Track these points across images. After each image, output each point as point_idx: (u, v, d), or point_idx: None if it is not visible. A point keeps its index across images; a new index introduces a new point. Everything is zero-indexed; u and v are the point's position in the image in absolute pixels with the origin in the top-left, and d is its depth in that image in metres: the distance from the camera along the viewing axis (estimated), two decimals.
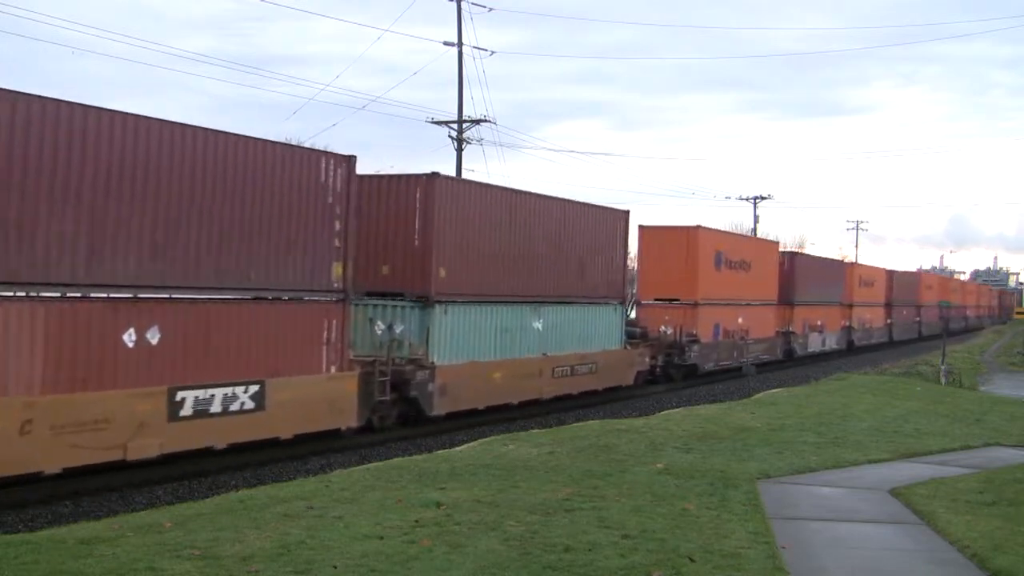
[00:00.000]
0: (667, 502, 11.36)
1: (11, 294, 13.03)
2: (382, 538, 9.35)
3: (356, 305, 20.25)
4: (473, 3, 40.53)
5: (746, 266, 37.72)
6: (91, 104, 13.87)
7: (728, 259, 36.09)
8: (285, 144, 16.98)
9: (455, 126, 41.19)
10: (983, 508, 11.81)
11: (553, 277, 25.52)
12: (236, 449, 16.37)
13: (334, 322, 18.04)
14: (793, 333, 43.93)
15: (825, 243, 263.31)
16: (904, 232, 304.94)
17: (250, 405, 16.26)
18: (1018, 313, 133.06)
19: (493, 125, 44.48)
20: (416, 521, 10.02)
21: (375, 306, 21.06)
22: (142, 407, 14.52)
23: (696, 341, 33.46)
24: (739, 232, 62.55)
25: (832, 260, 55.72)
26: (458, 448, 16.63)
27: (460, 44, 40.59)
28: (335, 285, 18.08)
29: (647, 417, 21.33)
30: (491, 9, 40.98)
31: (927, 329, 72.78)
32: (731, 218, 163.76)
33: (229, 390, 15.91)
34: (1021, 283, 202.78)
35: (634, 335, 30.99)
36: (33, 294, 13.29)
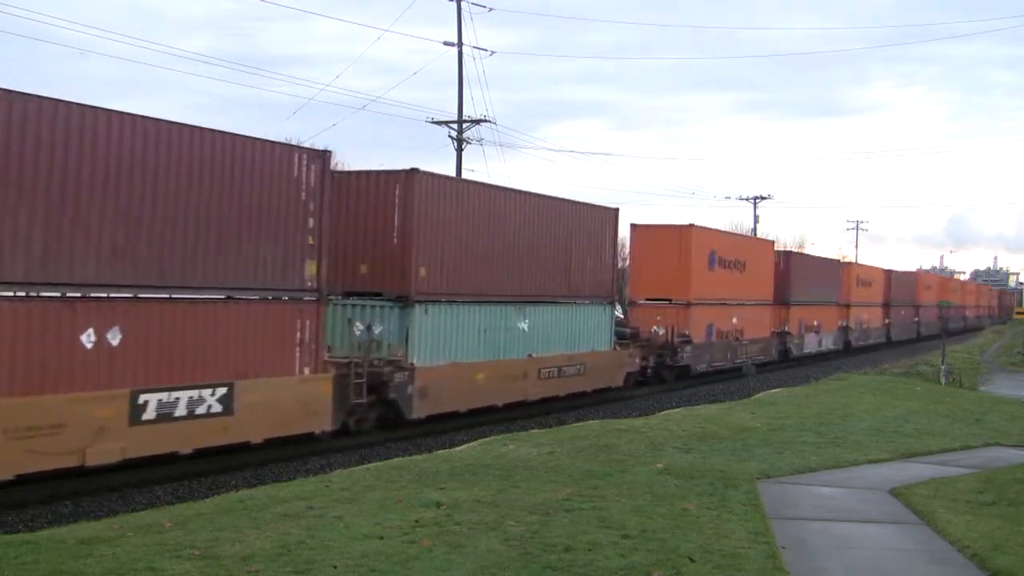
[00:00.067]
0: (667, 502, 11.36)
1: None
2: (382, 538, 9.35)
3: (334, 305, 19.95)
4: (473, 3, 40.58)
5: (740, 266, 37.22)
6: (44, 95, 13.27)
7: (722, 258, 35.59)
8: (255, 138, 16.44)
9: (455, 126, 41.21)
10: (983, 508, 11.81)
11: (539, 276, 25.01)
12: (203, 454, 15.93)
13: (308, 322, 17.47)
14: (789, 333, 43.49)
15: (825, 243, 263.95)
16: (904, 232, 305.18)
17: (217, 408, 15.68)
18: (1018, 313, 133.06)
19: (493, 125, 44.53)
20: (416, 521, 10.03)
21: (353, 306, 20.61)
22: (102, 411, 13.97)
23: (689, 342, 33.00)
24: (739, 232, 62.56)
25: (829, 260, 55.21)
26: (458, 448, 16.63)
27: (460, 44, 40.61)
28: (309, 284, 17.53)
29: (647, 417, 21.33)
30: (491, 9, 41.03)
31: (926, 329, 72.45)
32: (731, 218, 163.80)
33: (195, 393, 15.33)
34: (1021, 283, 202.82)
35: (624, 335, 30.48)
36: None
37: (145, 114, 14.67)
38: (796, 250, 74.49)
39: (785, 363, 42.85)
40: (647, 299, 33.51)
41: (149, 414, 14.65)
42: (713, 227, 36.76)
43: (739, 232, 62.30)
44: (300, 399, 17.32)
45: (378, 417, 20.05)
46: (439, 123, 41.96)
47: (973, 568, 9.27)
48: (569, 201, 27.00)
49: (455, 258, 21.65)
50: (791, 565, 8.97)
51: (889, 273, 64.24)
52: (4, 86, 13.01)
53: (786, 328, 43.15)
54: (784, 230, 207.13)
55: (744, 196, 78.36)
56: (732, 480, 12.90)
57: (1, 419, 12.80)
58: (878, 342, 60.02)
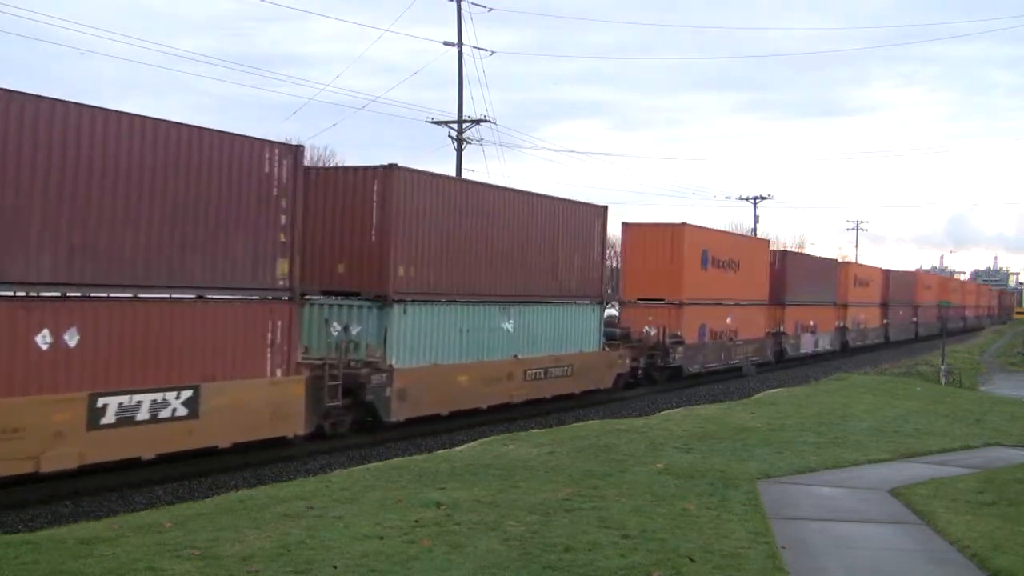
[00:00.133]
0: (667, 502, 11.36)
1: None
2: (382, 538, 9.35)
3: (311, 305, 19.64)
4: (473, 3, 40.57)
5: (735, 265, 36.60)
6: None
7: (716, 258, 34.96)
8: (223, 132, 15.88)
9: (455, 126, 41.21)
10: (983, 508, 11.82)
11: (524, 275, 24.39)
12: (167, 459, 15.43)
13: (279, 323, 16.91)
14: (784, 334, 42.87)
15: (825, 243, 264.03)
16: (904, 232, 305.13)
17: (183, 412, 15.13)
18: (1018, 313, 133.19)
19: (493, 125, 44.53)
20: (416, 521, 10.03)
21: (331, 306, 20.13)
22: (58, 415, 13.40)
23: (681, 342, 32.33)
24: (739, 232, 62.51)
25: (825, 259, 54.49)
26: (458, 448, 16.64)
27: (460, 44, 40.61)
28: (280, 283, 16.96)
29: (647, 417, 21.33)
30: (491, 9, 41.01)
31: (924, 330, 72.06)
32: (731, 218, 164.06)
33: (159, 396, 14.75)
34: (1021, 283, 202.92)
35: (614, 336, 29.95)
36: None
37: (105, 107, 14.12)
38: (795, 250, 74.64)
39: (780, 364, 42.30)
40: (639, 299, 32.91)
41: (109, 418, 14.08)
42: (707, 225, 36.18)
43: (739, 232, 62.24)
44: (271, 402, 16.74)
45: (355, 420, 19.57)
46: (439, 123, 41.98)
47: (973, 568, 9.27)
48: (556, 198, 26.42)
49: (436, 257, 21.10)
50: (791, 565, 8.97)
51: (887, 273, 63.77)
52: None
53: (781, 328, 42.60)
54: (784, 230, 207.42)
55: (744, 196, 78.45)
56: (732, 480, 12.90)
57: None
58: (876, 342, 59.57)
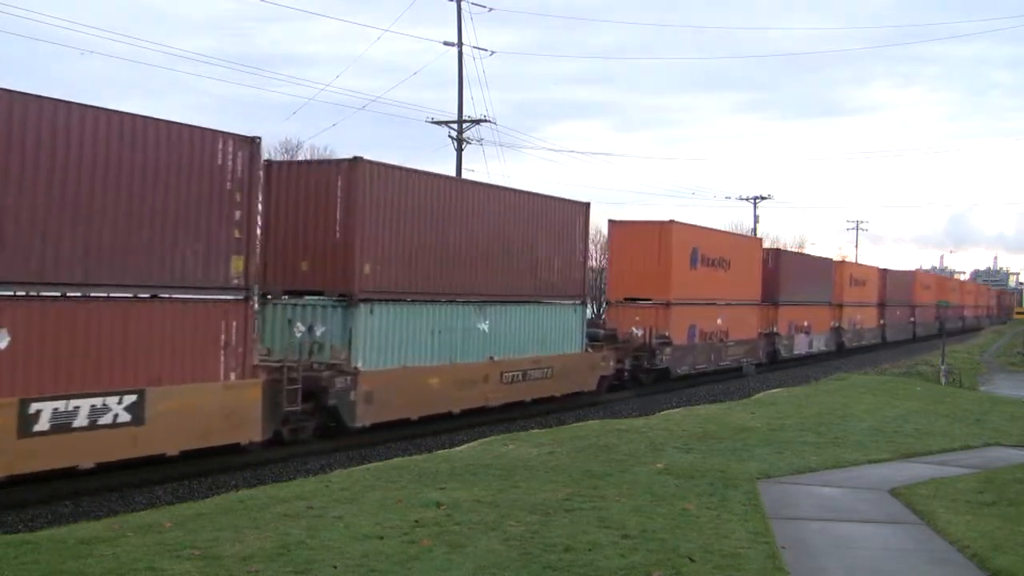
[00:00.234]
0: (667, 502, 11.36)
1: None
2: (382, 538, 9.35)
3: (274, 305, 19.16)
4: (473, 3, 40.54)
5: (725, 264, 35.72)
6: None
7: (706, 256, 34.06)
8: (170, 122, 15.07)
9: (455, 126, 41.19)
10: (983, 508, 11.82)
11: (501, 274, 23.49)
12: (108, 468, 14.63)
13: (234, 323, 16.05)
14: (778, 334, 42.05)
15: (825, 243, 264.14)
16: (904, 232, 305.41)
17: (125, 418, 14.26)
18: (1018, 313, 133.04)
19: (493, 125, 44.46)
20: (416, 521, 10.03)
21: (294, 306, 19.38)
22: None
23: (668, 343, 31.36)
24: (738, 232, 62.42)
25: (820, 258, 53.57)
26: (458, 448, 16.63)
27: (460, 44, 40.60)
28: (234, 282, 16.12)
29: (647, 417, 21.32)
30: (491, 9, 40.94)
31: (922, 330, 71.42)
32: (731, 218, 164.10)
33: (99, 401, 13.88)
34: (1021, 283, 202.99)
35: (597, 337, 29.14)
36: None
37: (41, 95, 13.40)
38: (796, 250, 74.60)
39: (774, 365, 41.50)
40: (626, 299, 32.00)
41: (42, 425, 13.23)
42: (697, 223, 35.30)
43: (738, 232, 62.11)
44: (224, 407, 15.92)
45: (317, 426, 18.74)
46: (439, 123, 41.95)
47: (973, 568, 9.27)
48: (535, 194, 25.71)
49: (406, 254, 20.29)
50: (791, 565, 8.97)
51: (884, 272, 63.08)
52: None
53: (774, 329, 41.86)
54: (784, 230, 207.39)
55: (744, 196, 78.32)
56: (732, 480, 12.90)
57: None
58: (873, 343, 58.83)
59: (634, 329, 31.20)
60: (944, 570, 9.28)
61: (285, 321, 19.33)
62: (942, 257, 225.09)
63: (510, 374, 23.65)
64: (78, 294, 13.91)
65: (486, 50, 46.67)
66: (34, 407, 13.21)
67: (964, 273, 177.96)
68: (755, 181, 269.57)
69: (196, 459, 16.03)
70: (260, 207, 19.44)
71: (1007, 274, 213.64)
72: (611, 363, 28.75)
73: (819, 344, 48.14)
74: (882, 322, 61.34)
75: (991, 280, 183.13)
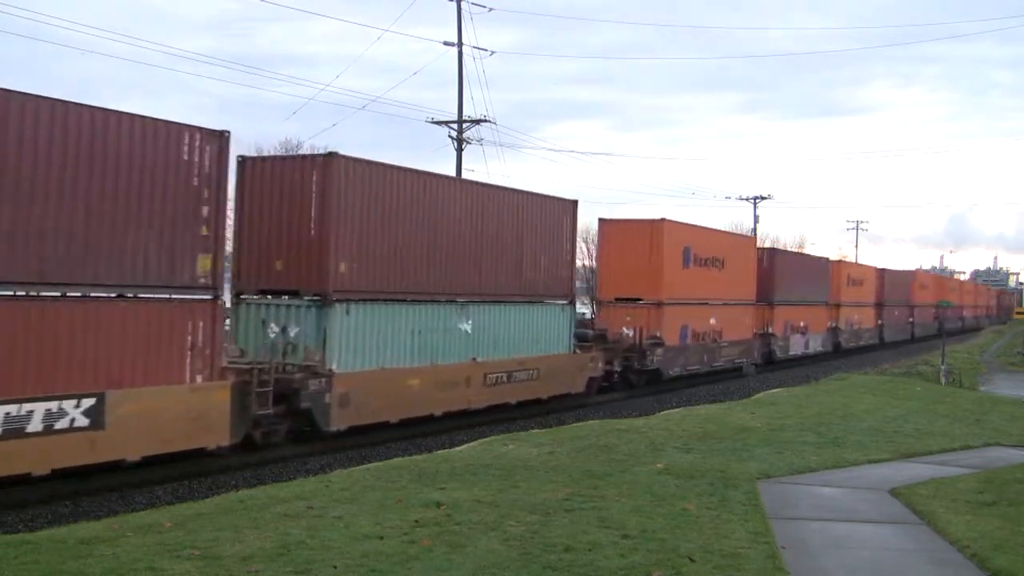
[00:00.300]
0: (667, 502, 11.36)
1: None
2: (382, 538, 9.35)
3: (247, 305, 18.83)
4: (473, 3, 40.52)
5: (719, 263, 35.16)
6: None
7: (698, 255, 33.45)
8: (133, 114, 14.51)
9: (455, 126, 41.19)
10: (983, 508, 11.82)
11: (484, 273, 22.89)
12: (66, 474, 14.06)
13: (201, 324, 15.54)
14: (773, 335, 41.42)
15: (825, 243, 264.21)
16: (903, 232, 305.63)
17: (83, 422, 13.70)
18: (1018, 313, 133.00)
19: (493, 125, 44.48)
20: (416, 521, 10.03)
21: (268, 306, 18.88)
22: None
23: (660, 344, 30.73)
24: (738, 232, 62.31)
25: (816, 257, 52.84)
26: (458, 448, 16.63)
27: (460, 44, 40.59)
28: (202, 281, 15.60)
29: (647, 417, 21.32)
30: (491, 9, 40.92)
31: (921, 330, 70.87)
32: (731, 218, 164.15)
33: (54, 405, 13.33)
34: (1021, 283, 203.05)
35: (586, 337, 28.49)
36: None
37: None
38: (793, 249, 74.54)
39: (770, 366, 40.97)
40: (616, 299, 31.41)
41: None
42: (688, 222, 34.60)
43: (738, 232, 62.01)
44: (190, 411, 15.36)
45: (291, 429, 18.14)
46: (439, 123, 41.94)
47: (973, 568, 9.27)
48: (521, 191, 25.22)
49: (384, 252, 19.73)
50: (791, 565, 8.97)
51: (882, 272, 62.44)
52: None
53: (769, 329, 41.25)
54: (784, 230, 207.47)
55: (744, 196, 78.26)
56: (732, 480, 12.90)
57: None
58: (870, 343, 58.17)
59: (625, 330, 30.62)
60: (944, 570, 9.28)
61: (259, 322, 18.85)
62: (942, 257, 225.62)
63: (494, 376, 23.10)
64: (32, 293, 13.48)
65: (486, 50, 46.72)
66: None
67: (964, 273, 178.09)
68: (755, 181, 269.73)
69: (162, 465, 15.56)
70: (236, 204, 19.09)
71: (1007, 274, 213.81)
72: (600, 364, 28.15)
73: (815, 345, 47.61)
74: (880, 322, 60.83)
75: (991, 280, 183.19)
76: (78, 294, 14.01)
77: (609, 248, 32.06)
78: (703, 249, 33.98)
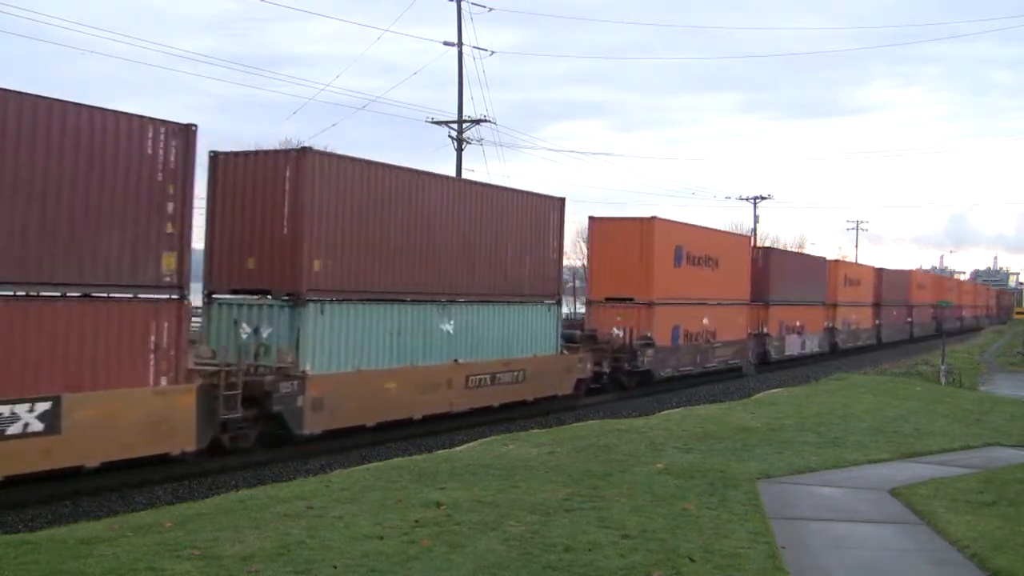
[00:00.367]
0: (667, 502, 11.36)
1: None
2: (382, 538, 9.35)
3: (219, 305, 18.43)
4: (473, 3, 40.55)
5: (712, 262, 34.62)
6: None
7: (691, 254, 32.91)
8: (93, 107, 14.03)
9: (455, 126, 41.21)
10: (983, 508, 11.82)
11: (467, 272, 22.31)
12: (18, 481, 13.55)
13: (165, 325, 14.96)
14: (768, 335, 40.85)
15: (825, 243, 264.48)
16: (904, 232, 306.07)
17: (38, 427, 13.17)
18: (1018, 313, 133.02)
19: (493, 125, 44.48)
20: (416, 521, 10.03)
21: (240, 306, 18.35)
22: None
23: (650, 345, 30.12)
24: (738, 231, 62.28)
25: (813, 257, 52.42)
26: (458, 448, 16.64)
27: (460, 44, 40.61)
28: (166, 280, 15.03)
29: (647, 417, 21.32)
30: (491, 9, 40.98)
31: (919, 330, 70.42)
32: (731, 218, 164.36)
33: (6, 409, 12.83)
34: (1021, 283, 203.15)
35: (574, 338, 28.00)
36: None
37: None
38: (793, 249, 74.53)
39: (765, 366, 40.29)
40: (607, 298, 30.81)
41: None
42: (680, 220, 34.13)
43: (738, 232, 61.96)
44: (153, 415, 14.80)
45: (261, 433, 17.52)
46: (439, 123, 41.97)
47: (973, 568, 9.27)
48: (506, 188, 24.81)
49: (361, 251, 19.16)
50: (791, 565, 8.97)
51: (880, 272, 62.02)
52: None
53: (764, 329, 40.70)
54: (784, 230, 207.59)
55: (744, 196, 78.44)
56: (732, 480, 12.90)
57: None
58: (868, 344, 57.67)
59: (615, 330, 30.07)
60: (944, 570, 9.28)
61: (231, 322, 18.35)
62: (942, 257, 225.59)
63: (477, 377, 22.50)
64: None
65: (486, 50, 46.73)
66: None
67: (964, 273, 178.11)
68: (755, 181, 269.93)
69: (122, 471, 15.07)
70: (207, 201, 18.63)
71: (1007, 274, 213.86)
72: (589, 365, 27.52)
73: (812, 345, 47.06)
74: (878, 322, 60.41)
75: (991, 280, 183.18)
76: (32, 293, 13.59)
77: (599, 247, 31.53)
78: (696, 248, 33.48)
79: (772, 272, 41.35)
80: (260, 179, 18.27)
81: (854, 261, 74.67)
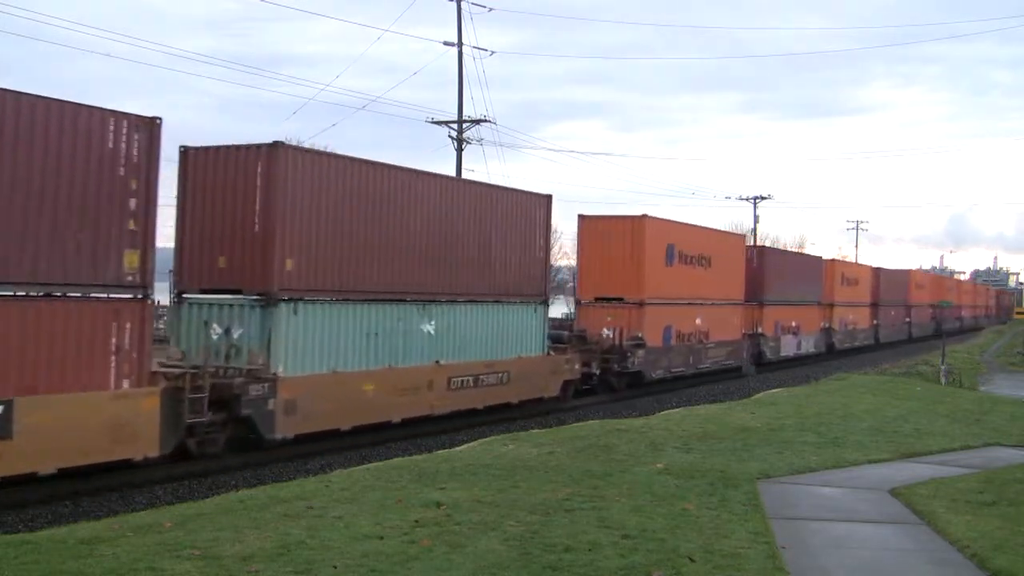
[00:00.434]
0: (667, 502, 11.37)
1: None
2: (382, 538, 9.35)
3: (189, 305, 17.99)
4: (473, 3, 40.56)
5: (705, 261, 34.12)
6: None
7: (683, 253, 32.38)
8: (51, 99, 13.59)
9: (455, 126, 41.22)
10: (983, 508, 11.82)
11: (449, 271, 21.80)
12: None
13: (127, 325, 14.40)
14: (763, 335, 40.31)
15: (825, 243, 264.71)
16: (903, 232, 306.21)
17: None
18: (1018, 313, 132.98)
19: (493, 125, 44.51)
20: (416, 521, 10.03)
21: (210, 305, 17.85)
22: None
23: (641, 345, 29.52)
24: (738, 231, 62.24)
25: (809, 256, 51.88)
26: (458, 448, 16.64)
27: (460, 44, 40.61)
28: (128, 278, 14.48)
29: (647, 417, 21.32)
30: (491, 9, 41.00)
31: (918, 331, 70.01)
32: (731, 218, 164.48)
33: None
34: (1021, 283, 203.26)
35: (561, 339, 27.42)
36: None
37: None
38: (793, 249, 74.51)
39: (761, 367, 39.95)
40: (596, 298, 30.28)
41: None
42: (671, 218, 33.52)
43: (739, 231, 61.93)
44: (113, 419, 14.18)
45: (231, 438, 16.98)
46: (439, 123, 41.99)
47: (973, 568, 9.27)
48: (490, 185, 24.29)
49: (336, 249, 18.66)
50: (791, 565, 8.97)
51: (878, 271, 61.58)
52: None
53: (759, 330, 40.13)
54: (784, 230, 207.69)
55: (744, 196, 78.52)
56: (732, 480, 12.90)
57: None
58: (865, 344, 57.17)
59: (605, 331, 29.46)
60: (944, 570, 9.28)
61: (201, 322, 17.86)
62: (942, 257, 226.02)
63: (459, 379, 21.92)
64: None
65: (486, 50, 46.73)
66: None
67: (964, 273, 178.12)
68: (755, 181, 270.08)
69: (85, 477, 14.58)
70: (178, 198, 18.21)
71: (1007, 274, 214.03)
72: (576, 367, 26.90)
73: (808, 345, 46.50)
74: (875, 323, 59.90)
75: (991, 280, 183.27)
76: None
77: (589, 246, 30.82)
78: (688, 246, 32.95)
79: (767, 271, 40.90)
80: (231, 175, 17.76)
81: (851, 261, 74.41)
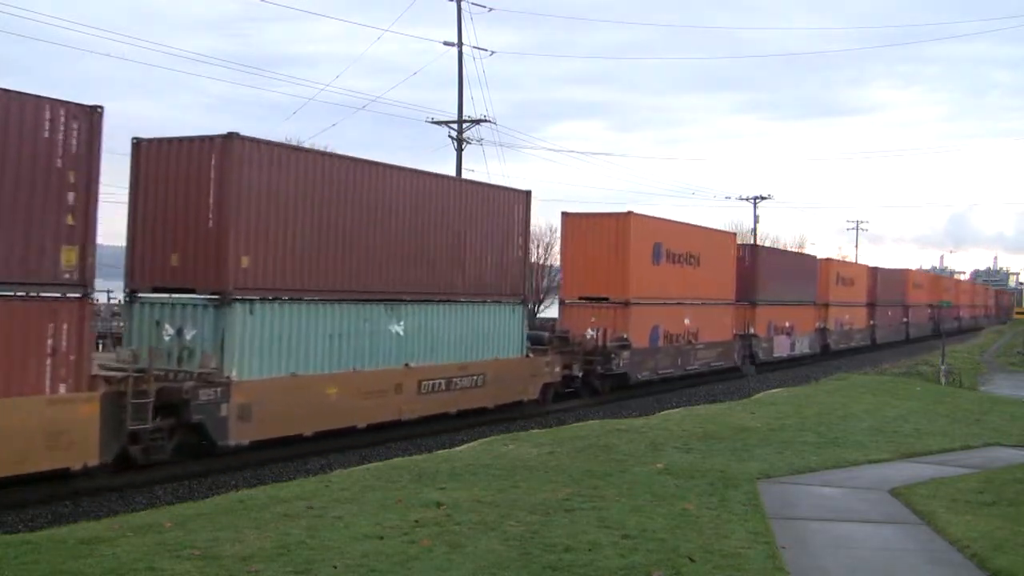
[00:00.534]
0: (667, 502, 11.36)
1: None
2: (382, 538, 9.35)
3: (141, 304, 17.27)
4: (473, 3, 40.54)
5: (694, 260, 33.31)
6: None
7: (670, 251, 31.58)
8: None
9: (455, 126, 41.21)
10: (983, 508, 11.82)
11: (420, 269, 20.93)
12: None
13: (64, 326, 13.61)
14: (755, 336, 39.49)
15: (825, 243, 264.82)
16: (903, 232, 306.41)
17: None
18: (1018, 313, 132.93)
19: (493, 125, 44.44)
20: (416, 521, 10.03)
21: (163, 305, 17.11)
22: None
23: (626, 346, 28.74)
24: (737, 231, 62.19)
25: (803, 255, 51.11)
26: (458, 448, 16.64)
27: (460, 44, 40.60)
28: (66, 276, 13.71)
29: (647, 417, 21.32)
30: (491, 9, 40.97)
31: (916, 331, 69.28)
32: (731, 218, 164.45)
33: None
34: (1021, 283, 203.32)
35: (542, 340, 26.72)
36: None
37: None
38: (793, 249, 74.50)
39: (755, 368, 39.36)
40: (580, 298, 29.54)
41: None
42: (658, 215, 32.74)
43: (738, 232, 61.86)
44: (48, 426, 13.39)
45: (179, 445, 16.15)
46: (439, 123, 41.98)
47: (973, 568, 9.27)
48: (463, 180, 23.39)
49: (296, 246, 17.87)
50: (791, 565, 8.97)
51: (875, 271, 60.91)
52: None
53: (751, 330, 39.30)
54: (784, 230, 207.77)
55: (744, 196, 78.47)
56: (732, 480, 12.90)
57: None
58: (861, 345, 56.36)
59: (589, 331, 28.65)
60: (944, 570, 9.28)
61: (153, 323, 17.11)
62: (942, 257, 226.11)
63: (430, 382, 21.05)
64: None
65: (486, 50, 46.66)
66: None
67: (964, 273, 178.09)
68: (755, 181, 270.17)
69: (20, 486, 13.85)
70: (130, 192, 17.61)
71: (1007, 274, 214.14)
72: (557, 369, 26.07)
73: (802, 346, 45.66)
74: (872, 323, 59.12)
75: (991, 280, 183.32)
76: None
77: (573, 244, 30.04)
78: (676, 245, 32.15)
79: (759, 270, 40.05)
80: (184, 168, 17.01)
81: (847, 260, 74.06)
